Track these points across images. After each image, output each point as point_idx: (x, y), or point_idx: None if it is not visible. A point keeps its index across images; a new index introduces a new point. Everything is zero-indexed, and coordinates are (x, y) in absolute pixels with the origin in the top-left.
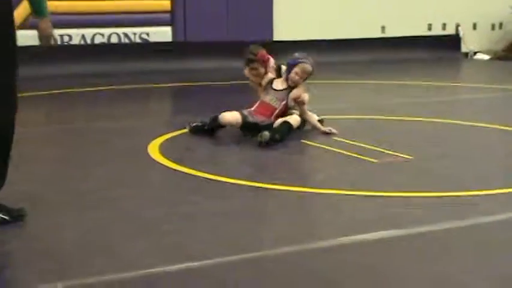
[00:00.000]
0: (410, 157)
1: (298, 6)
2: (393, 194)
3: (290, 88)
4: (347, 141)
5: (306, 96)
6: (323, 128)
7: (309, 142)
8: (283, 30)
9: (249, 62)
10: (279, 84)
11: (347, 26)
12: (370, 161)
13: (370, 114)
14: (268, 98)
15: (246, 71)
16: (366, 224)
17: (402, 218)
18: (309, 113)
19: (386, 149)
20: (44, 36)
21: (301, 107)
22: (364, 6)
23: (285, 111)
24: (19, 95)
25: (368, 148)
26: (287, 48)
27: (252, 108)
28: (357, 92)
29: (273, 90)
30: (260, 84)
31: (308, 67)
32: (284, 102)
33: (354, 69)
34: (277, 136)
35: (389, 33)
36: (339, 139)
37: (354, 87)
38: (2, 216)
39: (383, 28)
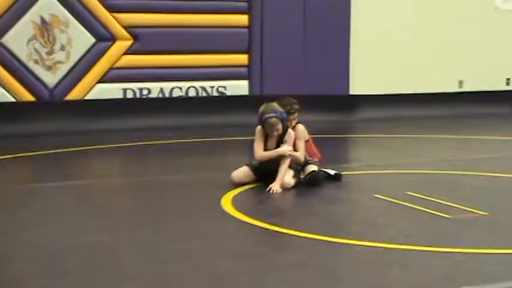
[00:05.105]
0: (486, 213)
1: (374, 60)
2: (467, 250)
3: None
4: (422, 196)
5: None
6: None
7: (381, 196)
8: (359, 85)
9: (294, 112)
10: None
11: (424, 80)
12: (443, 216)
13: (448, 170)
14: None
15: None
16: (438, 281)
17: (476, 274)
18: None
19: (462, 205)
20: None
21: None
22: (442, 61)
23: None
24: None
25: (443, 204)
26: (363, 103)
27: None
28: (434, 147)
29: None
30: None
31: (270, 121)
32: None
33: (432, 123)
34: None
35: (467, 87)
36: (414, 194)
37: (432, 142)
38: None
39: (461, 82)
